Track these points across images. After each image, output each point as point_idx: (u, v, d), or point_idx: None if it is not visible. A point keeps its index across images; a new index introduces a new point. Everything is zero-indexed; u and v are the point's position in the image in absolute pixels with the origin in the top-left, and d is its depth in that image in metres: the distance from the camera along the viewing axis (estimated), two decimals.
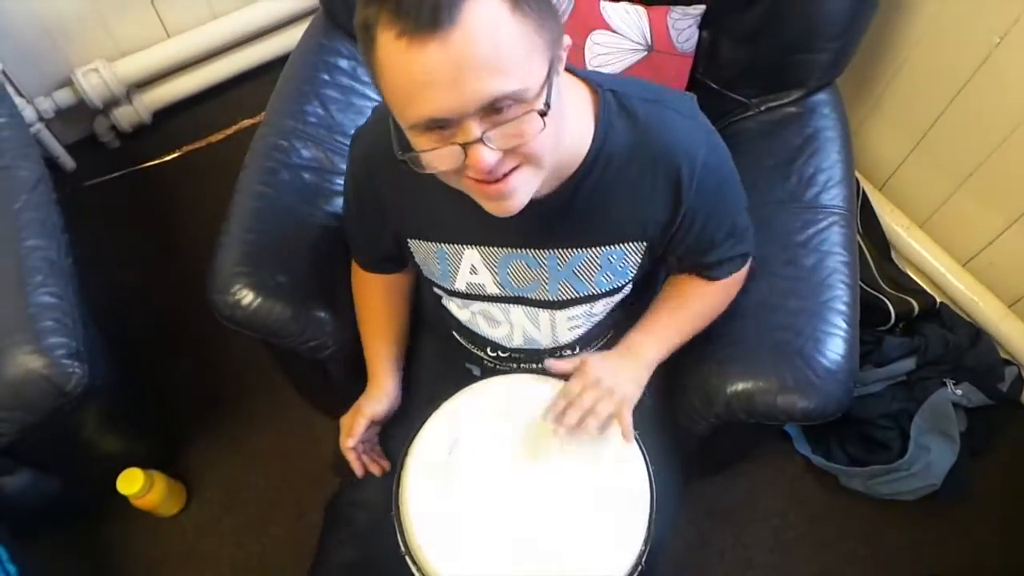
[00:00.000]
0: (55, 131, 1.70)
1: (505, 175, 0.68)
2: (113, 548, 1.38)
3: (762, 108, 1.22)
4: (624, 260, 0.87)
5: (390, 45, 0.60)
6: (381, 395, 1.01)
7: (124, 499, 1.29)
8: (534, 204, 0.74)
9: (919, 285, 1.50)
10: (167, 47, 1.72)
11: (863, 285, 1.47)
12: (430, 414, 0.92)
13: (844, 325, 1.01)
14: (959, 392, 1.37)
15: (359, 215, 0.95)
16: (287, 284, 1.02)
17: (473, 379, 0.95)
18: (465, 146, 0.64)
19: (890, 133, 1.53)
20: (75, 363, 0.95)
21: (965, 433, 1.42)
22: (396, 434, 1.01)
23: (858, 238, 1.50)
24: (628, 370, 0.91)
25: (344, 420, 1.00)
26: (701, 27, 1.18)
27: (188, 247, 1.67)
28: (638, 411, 0.96)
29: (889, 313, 1.41)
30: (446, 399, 0.93)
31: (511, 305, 0.93)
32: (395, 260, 0.98)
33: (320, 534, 1.13)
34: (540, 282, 0.89)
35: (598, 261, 0.87)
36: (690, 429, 1.07)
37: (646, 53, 1.18)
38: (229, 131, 1.87)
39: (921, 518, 1.44)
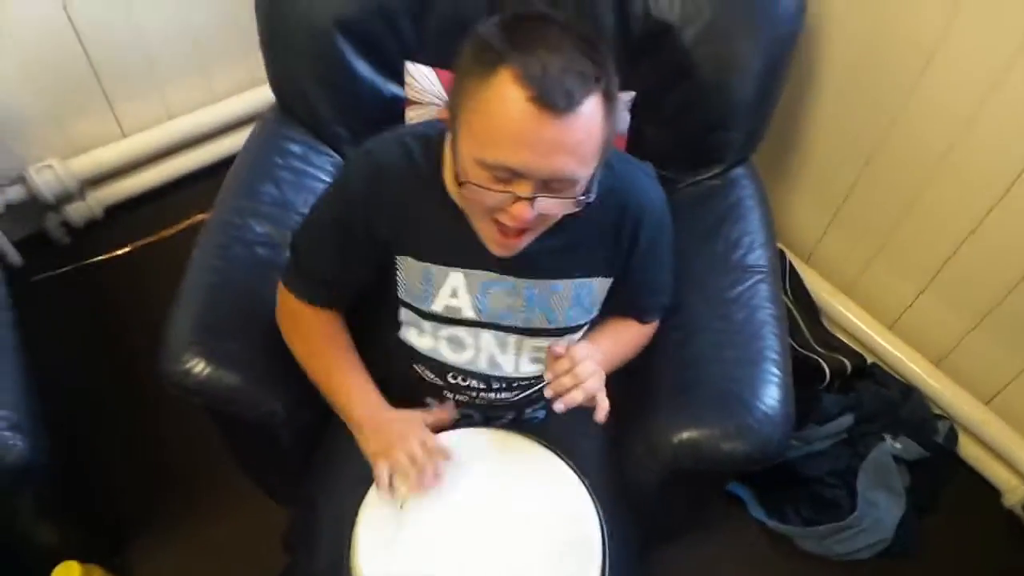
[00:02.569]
0: (3, 227, 1.71)
1: (520, 233, 0.82)
2: None
3: (688, 183, 1.32)
4: (592, 296, 0.97)
5: (515, 99, 0.71)
6: (396, 418, 0.97)
7: None
8: None
9: (851, 344, 1.58)
10: (122, 145, 1.78)
11: (797, 347, 1.54)
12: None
13: (778, 371, 1.07)
14: (898, 445, 1.43)
15: (336, 232, 0.94)
16: (239, 353, 1.03)
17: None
18: (516, 197, 0.76)
19: (809, 209, 1.65)
20: (16, 435, 0.93)
21: (910, 489, 1.46)
22: (351, 471, 0.98)
23: (788, 303, 1.59)
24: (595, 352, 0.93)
25: (396, 466, 0.89)
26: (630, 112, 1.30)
27: (137, 339, 1.66)
28: (587, 462, 0.99)
29: (824, 372, 1.48)
30: None
31: (482, 329, 0.97)
32: (344, 289, 0.99)
33: None
34: (515, 310, 0.95)
35: (571, 294, 0.95)
36: (639, 481, 1.09)
37: None
38: (182, 226, 1.90)
39: None
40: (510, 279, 0.94)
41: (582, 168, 0.76)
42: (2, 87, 1.56)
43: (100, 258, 1.83)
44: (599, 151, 0.77)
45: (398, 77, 1.27)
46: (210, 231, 1.15)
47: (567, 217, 0.87)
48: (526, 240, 0.85)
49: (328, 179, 1.27)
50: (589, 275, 0.96)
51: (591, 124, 0.74)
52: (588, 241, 0.93)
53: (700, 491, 1.21)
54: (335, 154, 1.30)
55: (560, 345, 0.91)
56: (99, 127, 1.75)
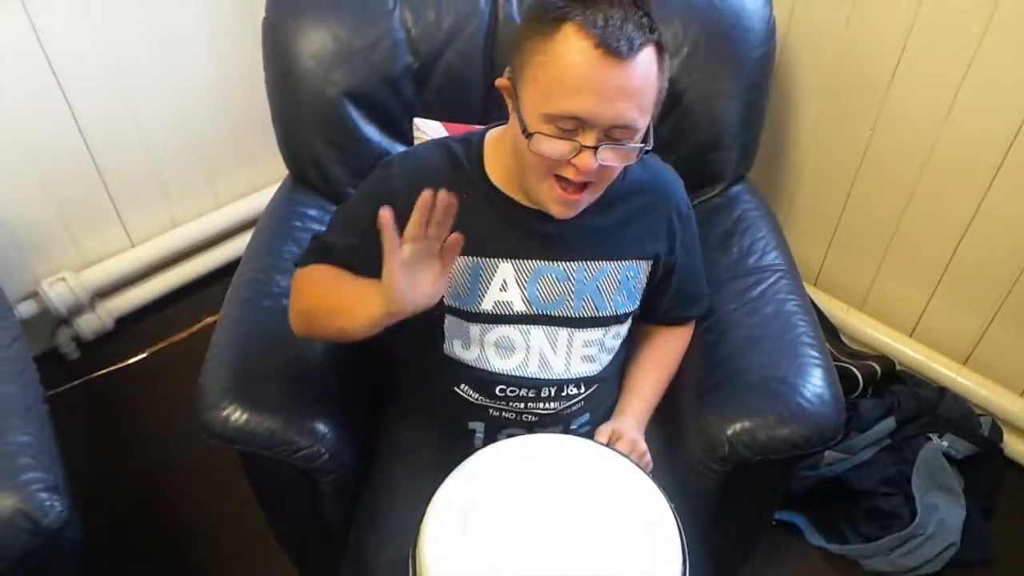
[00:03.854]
0: None
1: (581, 189, 0.86)
2: None
3: (693, 204, 1.36)
4: (636, 280, 1.00)
5: (580, 49, 0.77)
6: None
7: None
8: (571, 219, 0.90)
9: (875, 352, 1.58)
10: (132, 255, 1.81)
11: None
12: (438, 486, 0.89)
13: (817, 354, 1.07)
14: (945, 443, 1.40)
15: (372, 227, 0.84)
16: (275, 397, 1.01)
17: (475, 444, 0.94)
18: (581, 147, 0.80)
19: (808, 233, 1.70)
20: (53, 496, 0.89)
21: (967, 492, 1.42)
22: (401, 511, 0.96)
23: None
24: (636, 430, 1.03)
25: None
26: None
27: (156, 443, 1.63)
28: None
29: (857, 378, 1.47)
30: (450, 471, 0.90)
31: (532, 326, 0.97)
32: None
33: None
34: (566, 297, 0.97)
35: (618, 276, 0.98)
36: (700, 490, 1.05)
37: None
38: (193, 329, 1.90)
39: None
40: (560, 264, 0.96)
41: (642, 116, 0.81)
42: (21, 204, 1.60)
43: (112, 368, 1.81)
44: (655, 101, 0.83)
45: (404, 137, 1.33)
46: (237, 288, 1.16)
47: (614, 196, 0.93)
48: (586, 198, 0.88)
49: None
50: (634, 257, 1.00)
51: (649, 72, 0.80)
52: (633, 222, 0.98)
53: (761, 494, 1.17)
54: None
55: (603, 434, 0.99)
56: (109, 238, 1.79)
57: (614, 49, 0.76)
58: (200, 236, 1.91)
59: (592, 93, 0.78)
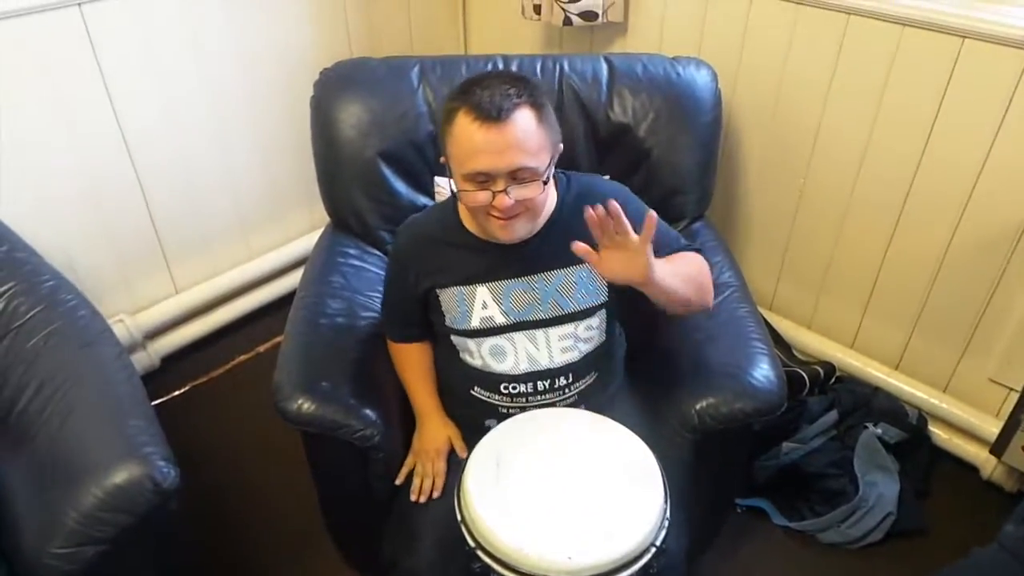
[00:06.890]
0: None
1: (512, 218, 1.11)
2: None
3: None
4: (591, 279, 1.24)
5: (467, 124, 1.06)
6: (438, 429, 1.27)
7: None
8: (522, 245, 1.18)
9: (819, 359, 1.87)
10: (178, 300, 2.07)
11: None
12: (471, 451, 1.14)
13: (763, 347, 1.35)
14: (879, 431, 1.67)
15: (398, 289, 1.30)
16: (337, 391, 1.27)
17: None
18: (494, 193, 1.06)
19: (762, 266, 2.01)
20: (169, 465, 1.13)
21: (902, 473, 1.68)
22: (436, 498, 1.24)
23: None
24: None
25: (420, 467, 1.28)
26: None
27: (198, 467, 1.82)
28: None
29: (804, 380, 1.75)
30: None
31: (514, 332, 1.24)
32: (420, 326, 1.33)
33: None
34: (535, 304, 1.23)
35: (573, 279, 1.23)
36: (676, 455, 1.31)
37: None
38: (228, 366, 2.14)
39: (898, 559, 1.62)
40: (523, 279, 1.23)
41: (532, 159, 1.06)
42: (89, 255, 1.87)
43: (158, 402, 2.03)
44: (544, 146, 1.09)
45: (428, 191, 1.64)
46: (297, 310, 1.43)
47: (551, 221, 1.20)
48: (521, 224, 1.14)
49: (379, 271, 1.58)
50: (576, 263, 1.20)
51: (527, 126, 1.06)
52: (569, 237, 1.08)
53: (726, 463, 1.43)
54: (381, 253, 1.62)
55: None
56: (158, 285, 2.05)
57: (487, 117, 1.03)
58: (236, 283, 2.17)
59: (483, 152, 1.05)
